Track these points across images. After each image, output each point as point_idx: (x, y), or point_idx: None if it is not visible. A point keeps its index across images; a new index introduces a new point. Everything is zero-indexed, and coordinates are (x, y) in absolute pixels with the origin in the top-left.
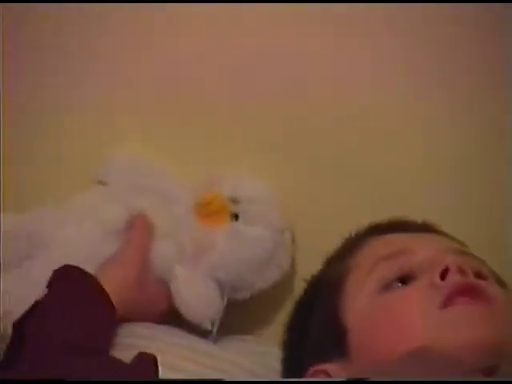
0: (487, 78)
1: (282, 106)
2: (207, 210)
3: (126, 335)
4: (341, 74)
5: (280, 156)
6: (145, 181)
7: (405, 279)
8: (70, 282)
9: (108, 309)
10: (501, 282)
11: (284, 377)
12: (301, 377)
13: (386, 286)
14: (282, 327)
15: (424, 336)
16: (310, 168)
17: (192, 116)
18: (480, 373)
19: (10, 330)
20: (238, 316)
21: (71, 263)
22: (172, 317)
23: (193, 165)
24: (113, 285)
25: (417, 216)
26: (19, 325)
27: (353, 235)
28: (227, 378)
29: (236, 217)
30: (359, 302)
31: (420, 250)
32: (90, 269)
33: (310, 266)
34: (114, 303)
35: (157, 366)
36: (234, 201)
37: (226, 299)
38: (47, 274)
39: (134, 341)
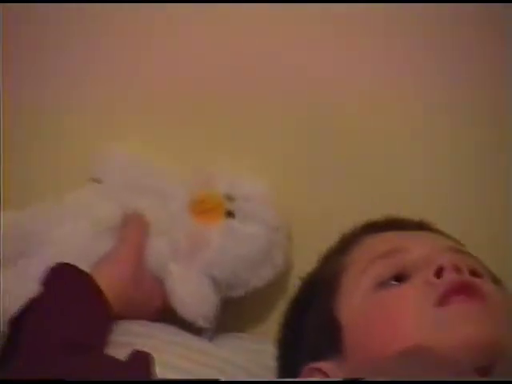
0: (487, 78)
1: (281, 105)
2: (202, 207)
3: (121, 333)
4: (341, 74)
5: (276, 154)
6: (140, 178)
7: (400, 277)
8: (65, 280)
9: (103, 306)
10: (496, 280)
11: (279, 375)
12: (296, 375)
13: (381, 284)
14: (277, 325)
15: (419, 334)
16: (305, 166)
17: (189, 114)
18: (475, 372)
19: (5, 327)
20: (234, 314)
21: (66, 261)
22: (167, 314)
23: (189, 163)
24: (108, 282)
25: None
26: (15, 322)
27: (348, 233)
28: (221, 376)
29: (231, 214)
30: (354, 300)
31: (415, 248)
32: (84, 266)
33: (305, 263)
34: (109, 300)
35: (152, 364)
36: (230, 198)
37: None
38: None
39: (129, 339)
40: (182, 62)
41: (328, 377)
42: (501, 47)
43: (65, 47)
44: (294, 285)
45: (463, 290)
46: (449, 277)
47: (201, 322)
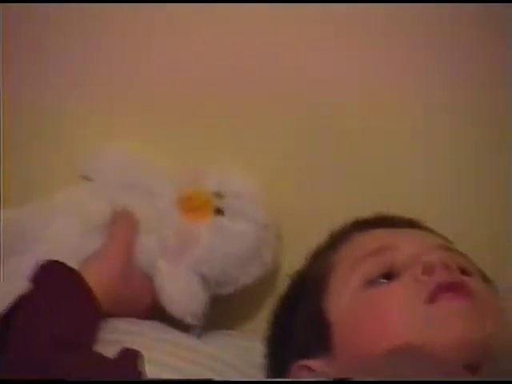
0: (487, 78)
1: (274, 103)
2: (190, 204)
3: (110, 331)
4: (341, 74)
5: (266, 151)
6: (129, 176)
7: (389, 275)
8: (54, 277)
9: (92, 303)
10: (485, 278)
11: (268, 372)
12: (285, 372)
13: (371, 282)
14: (266, 322)
15: (408, 332)
16: (295, 164)
17: (182, 113)
18: (465, 369)
19: None
20: (222, 311)
21: (56, 258)
22: (156, 312)
23: (180, 160)
24: (96, 279)
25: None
26: (4, 319)
27: (337, 230)
28: (210, 373)
29: (220, 212)
30: (343, 298)
31: (405, 246)
32: (74, 264)
33: (294, 261)
34: (98, 298)
35: (141, 362)
36: (219, 195)
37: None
38: None
39: (117, 336)
40: (182, 61)
41: (316, 374)
42: (501, 47)
43: (65, 47)
44: (283, 282)
45: (453, 288)
46: (438, 275)
47: (189, 319)
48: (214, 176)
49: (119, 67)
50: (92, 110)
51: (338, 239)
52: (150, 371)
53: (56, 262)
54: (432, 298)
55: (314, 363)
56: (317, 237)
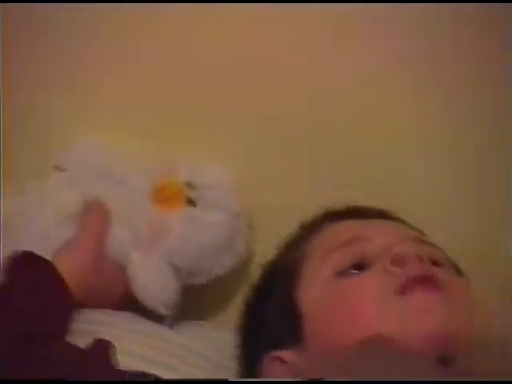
0: (487, 78)
1: (252, 97)
2: (162, 195)
3: (82, 321)
4: (340, 74)
5: (237, 141)
6: (102, 166)
7: (361, 266)
8: (26, 268)
9: (64, 294)
10: (458, 271)
11: (240, 362)
12: (256, 363)
13: (342, 273)
14: (239, 313)
15: (379, 323)
16: (267, 153)
17: (153, 103)
18: (437, 362)
19: None
20: (195, 301)
21: (28, 248)
22: (129, 302)
23: (153, 151)
24: (68, 270)
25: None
26: None
27: (309, 220)
28: (181, 363)
29: (192, 202)
30: (314, 289)
31: (376, 237)
32: (46, 254)
33: (267, 251)
34: (71, 288)
35: (113, 352)
36: (191, 186)
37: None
38: None
39: (90, 327)
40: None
41: (288, 365)
42: (501, 47)
43: (65, 47)
44: (255, 273)
45: (424, 279)
46: (410, 266)
47: (162, 310)
48: (186, 166)
49: (119, 67)
50: (65, 99)
51: (309, 230)
52: (122, 362)
53: (28, 252)
54: (402, 290)
55: (285, 354)
56: (289, 227)
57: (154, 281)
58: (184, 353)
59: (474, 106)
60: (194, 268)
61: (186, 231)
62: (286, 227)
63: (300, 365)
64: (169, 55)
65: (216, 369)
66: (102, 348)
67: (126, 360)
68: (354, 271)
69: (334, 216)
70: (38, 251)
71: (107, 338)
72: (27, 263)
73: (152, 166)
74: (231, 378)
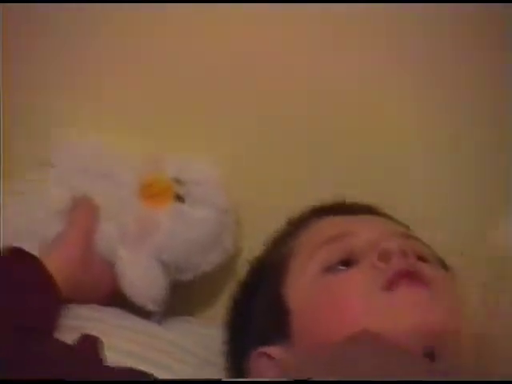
0: (487, 78)
1: (242, 93)
2: (151, 191)
3: (70, 317)
4: (340, 74)
5: (226, 137)
6: (90, 163)
7: (348, 262)
8: (14, 264)
9: (52, 290)
10: (444, 266)
11: (227, 358)
12: (244, 359)
13: (329, 269)
14: (226, 309)
15: (366, 319)
16: (256, 149)
17: (142, 99)
18: (423, 356)
19: None
20: (183, 297)
21: (16, 244)
22: (117, 298)
23: (141, 147)
24: (56, 265)
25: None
26: None
27: (296, 216)
28: (169, 359)
29: (180, 198)
30: (302, 285)
31: (363, 233)
32: (33, 250)
33: (254, 247)
34: (59, 284)
35: (101, 348)
36: (179, 182)
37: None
38: None
39: (78, 323)
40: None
41: (276, 361)
42: (501, 47)
43: (64, 47)
44: (243, 269)
45: (410, 275)
46: (394, 261)
47: (150, 306)
48: (174, 163)
49: (119, 67)
50: (65, 99)
51: (296, 226)
52: (110, 358)
53: (16, 248)
54: (389, 286)
55: (273, 350)
56: (277, 223)
57: (142, 277)
58: (172, 349)
59: (473, 106)
60: (181, 264)
61: (174, 227)
62: (274, 223)
63: (287, 361)
64: (169, 55)
65: (204, 365)
66: (90, 344)
67: (114, 356)
68: (341, 267)
69: (321, 212)
70: (26, 247)
71: (95, 333)
72: (15, 259)
73: (140, 162)
74: (218, 374)
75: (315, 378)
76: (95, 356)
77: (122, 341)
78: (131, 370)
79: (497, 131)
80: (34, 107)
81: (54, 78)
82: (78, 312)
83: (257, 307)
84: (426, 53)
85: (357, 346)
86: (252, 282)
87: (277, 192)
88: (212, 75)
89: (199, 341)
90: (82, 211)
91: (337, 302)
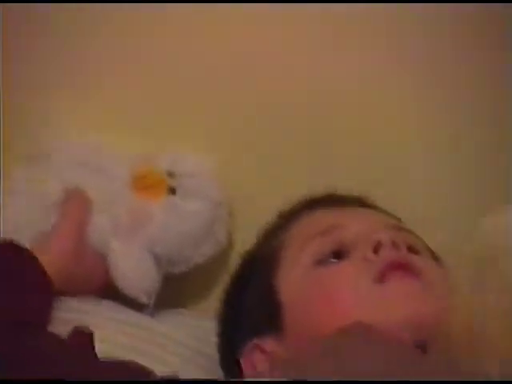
0: (487, 78)
1: (239, 89)
2: (143, 183)
3: (63, 309)
4: (340, 74)
5: (218, 130)
6: (82, 156)
7: (339, 254)
8: (6, 256)
9: (45, 282)
10: (435, 257)
11: (220, 351)
12: (237, 351)
13: (320, 262)
14: (219, 301)
15: (357, 311)
16: (248, 142)
17: (152, 102)
18: (414, 348)
19: None
20: (175, 290)
21: (9, 236)
22: (110, 291)
23: (139, 146)
24: (49, 258)
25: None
26: None
27: (287, 209)
28: (162, 351)
29: (173, 191)
30: (293, 277)
31: (353, 225)
32: (26, 242)
33: (247, 240)
34: (51, 276)
35: (92, 340)
36: (171, 175)
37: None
38: None
39: (71, 315)
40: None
41: (268, 354)
42: (501, 47)
43: (65, 47)
44: (235, 262)
45: (401, 266)
46: (385, 253)
47: (142, 298)
48: (167, 155)
49: (119, 67)
50: (65, 99)
51: (288, 218)
52: (103, 350)
53: (8, 241)
54: (381, 277)
55: (265, 343)
56: (270, 215)
57: (134, 269)
58: (164, 341)
59: (474, 106)
60: (174, 256)
61: (167, 220)
62: (267, 216)
63: (279, 353)
64: (169, 55)
65: (196, 357)
66: (82, 336)
67: (107, 348)
68: (332, 260)
69: (312, 204)
70: (18, 239)
71: (87, 326)
72: (7, 251)
73: (133, 154)
74: (211, 366)
75: (307, 371)
76: (87, 348)
77: (114, 333)
78: (123, 362)
79: (497, 131)
80: (34, 107)
81: (53, 78)
82: (70, 304)
83: (249, 300)
84: (425, 53)
85: (349, 338)
86: (244, 274)
87: (270, 186)
88: (212, 75)
89: (192, 333)
90: (75, 203)
91: (328, 295)
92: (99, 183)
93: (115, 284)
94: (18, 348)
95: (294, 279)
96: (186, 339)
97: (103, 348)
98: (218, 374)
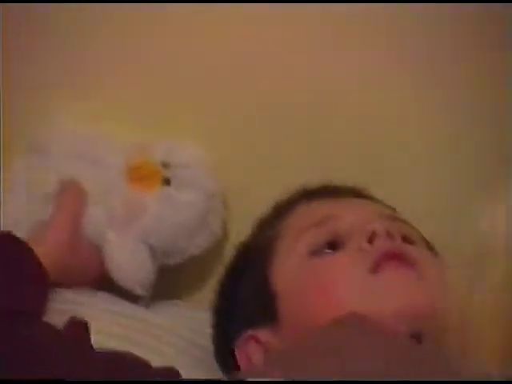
0: (487, 78)
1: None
2: (138, 174)
3: (58, 301)
4: (340, 74)
5: (213, 120)
6: (78, 147)
7: (334, 245)
8: (2, 248)
9: (41, 274)
10: (430, 247)
11: (215, 342)
12: (232, 342)
13: (315, 252)
14: (214, 292)
15: (352, 302)
16: (243, 132)
17: (152, 102)
18: (410, 338)
19: None
20: (170, 281)
21: (4, 228)
22: (105, 282)
23: (129, 131)
24: (44, 249)
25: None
26: None
27: (282, 200)
28: (158, 342)
29: (168, 181)
30: (289, 268)
31: (347, 216)
32: (21, 233)
33: (242, 231)
34: (46, 267)
35: (88, 331)
36: (166, 165)
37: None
38: None
39: (66, 306)
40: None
41: (263, 345)
42: (501, 47)
43: (65, 47)
44: (230, 253)
45: (395, 256)
46: (380, 243)
47: (138, 290)
48: (162, 146)
49: (119, 67)
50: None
51: (283, 209)
52: (98, 341)
53: (4, 232)
54: (375, 268)
55: (260, 333)
56: (265, 207)
57: (129, 261)
58: (160, 332)
59: (474, 106)
60: (169, 248)
61: (162, 211)
62: (262, 207)
63: (275, 344)
64: (169, 55)
65: (191, 348)
66: (78, 326)
67: (102, 339)
68: (327, 251)
69: (308, 195)
70: (14, 231)
71: (83, 317)
72: (3, 243)
73: (128, 145)
74: (206, 358)
75: (303, 362)
76: (82, 339)
77: (109, 324)
78: (117, 353)
79: (497, 131)
80: (34, 107)
81: (53, 78)
82: (65, 296)
83: (243, 291)
84: (426, 53)
85: (344, 329)
86: (238, 265)
87: (266, 175)
88: (212, 75)
89: (187, 324)
90: (70, 195)
91: (323, 285)
92: (94, 174)
93: (110, 275)
94: (13, 337)
95: (289, 270)
96: (180, 330)
97: (98, 339)
98: (213, 365)
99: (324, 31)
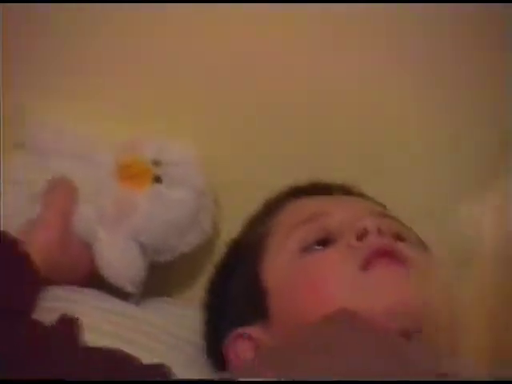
0: (487, 78)
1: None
2: (128, 172)
3: (49, 298)
4: (340, 74)
5: (204, 118)
6: (67, 144)
7: (324, 241)
8: None
9: (31, 270)
10: (421, 244)
11: (205, 339)
12: (222, 339)
13: (306, 249)
14: (204, 290)
15: (342, 299)
16: (234, 130)
17: (152, 102)
18: (400, 335)
19: None
20: (161, 279)
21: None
22: (95, 280)
23: (119, 129)
24: (35, 247)
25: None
26: None
27: (273, 197)
28: (148, 340)
29: (159, 179)
30: (279, 265)
31: (338, 213)
32: (11, 231)
33: (232, 229)
34: (37, 265)
35: (79, 328)
36: (157, 163)
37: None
38: None
39: (56, 304)
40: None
41: (254, 342)
42: (501, 47)
43: (65, 47)
44: (221, 250)
45: (386, 253)
46: (371, 240)
47: (128, 287)
48: (152, 144)
49: (119, 67)
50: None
51: (273, 206)
52: (89, 338)
53: None
54: (366, 265)
55: (251, 330)
56: (256, 205)
57: (120, 258)
58: (150, 329)
59: (474, 106)
60: (160, 245)
61: (152, 209)
62: (253, 205)
63: (265, 341)
64: (169, 55)
65: (182, 345)
66: (68, 324)
67: (93, 336)
68: (317, 247)
69: (298, 192)
70: (3, 228)
71: (73, 314)
72: None
73: (118, 143)
74: (197, 355)
75: (293, 359)
76: (73, 336)
77: (100, 322)
78: (109, 350)
79: (497, 131)
80: (34, 107)
81: (53, 78)
82: (56, 293)
83: (234, 288)
84: (426, 53)
85: (334, 326)
86: (229, 262)
87: (257, 173)
88: (212, 75)
89: (177, 321)
90: (60, 193)
91: (314, 282)
92: (85, 172)
93: (101, 273)
94: (3, 335)
95: (280, 266)
96: (171, 328)
97: (89, 337)
98: (204, 363)
99: (324, 31)
